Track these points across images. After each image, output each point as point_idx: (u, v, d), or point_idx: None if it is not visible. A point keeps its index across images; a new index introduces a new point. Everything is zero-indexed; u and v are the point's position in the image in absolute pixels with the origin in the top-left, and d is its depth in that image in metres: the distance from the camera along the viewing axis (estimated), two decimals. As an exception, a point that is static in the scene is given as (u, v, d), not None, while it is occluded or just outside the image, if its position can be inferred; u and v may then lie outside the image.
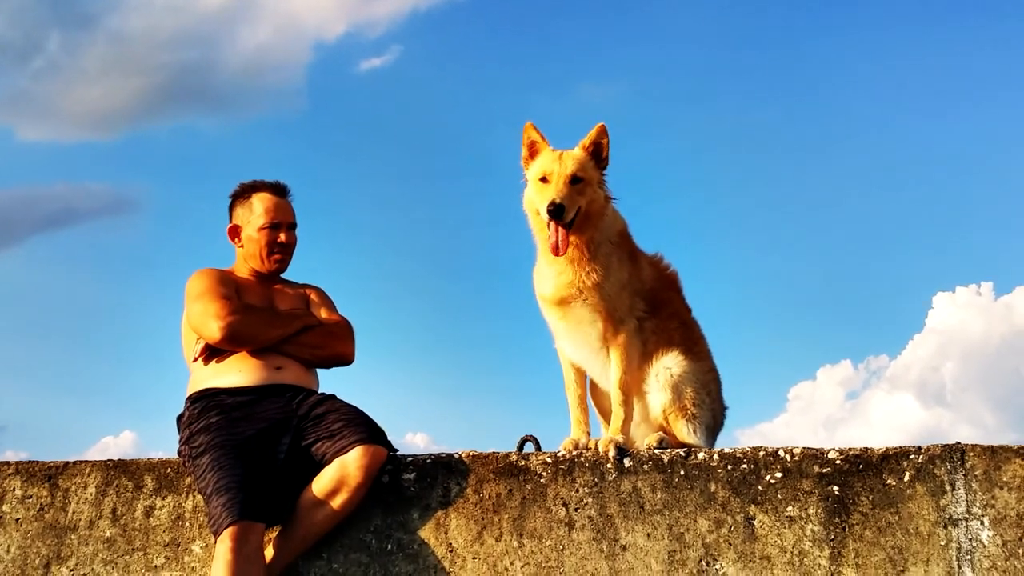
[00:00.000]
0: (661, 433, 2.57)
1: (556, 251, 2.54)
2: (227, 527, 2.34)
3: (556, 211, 2.50)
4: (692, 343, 2.69)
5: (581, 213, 2.57)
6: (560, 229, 2.53)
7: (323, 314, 2.85)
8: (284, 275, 2.93)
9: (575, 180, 2.57)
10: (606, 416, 2.71)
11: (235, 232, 2.88)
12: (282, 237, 2.85)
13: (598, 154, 2.62)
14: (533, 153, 2.68)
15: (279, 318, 2.75)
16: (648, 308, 2.66)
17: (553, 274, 2.64)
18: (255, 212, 2.85)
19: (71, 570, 2.59)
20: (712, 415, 2.66)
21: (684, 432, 2.59)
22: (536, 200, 2.60)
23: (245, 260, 2.88)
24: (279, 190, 2.89)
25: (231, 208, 2.92)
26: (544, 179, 2.59)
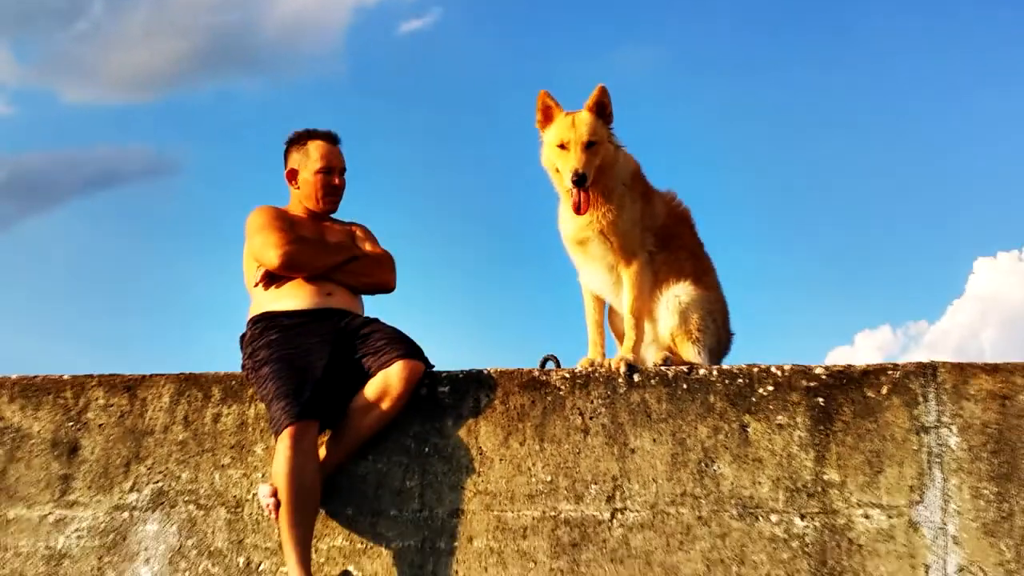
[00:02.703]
0: (667, 353, 2.89)
1: (579, 211, 2.86)
2: (286, 427, 2.69)
3: (579, 180, 2.81)
4: (701, 274, 3.00)
5: (596, 169, 2.88)
6: (582, 192, 2.83)
7: (367, 247, 3.18)
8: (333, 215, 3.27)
9: (589, 145, 2.87)
10: (620, 338, 3.03)
11: (292, 176, 3.21)
12: (336, 181, 3.18)
13: (603, 112, 2.91)
14: (547, 118, 2.96)
15: (330, 249, 3.09)
16: (659, 242, 2.97)
17: (572, 217, 2.96)
18: (311, 158, 3.17)
19: (148, 468, 2.96)
20: (716, 340, 2.97)
21: (689, 353, 2.91)
22: (558, 167, 2.90)
23: (300, 201, 3.21)
24: (332, 138, 3.21)
25: (287, 153, 3.24)
26: (562, 146, 2.87)
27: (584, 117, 2.89)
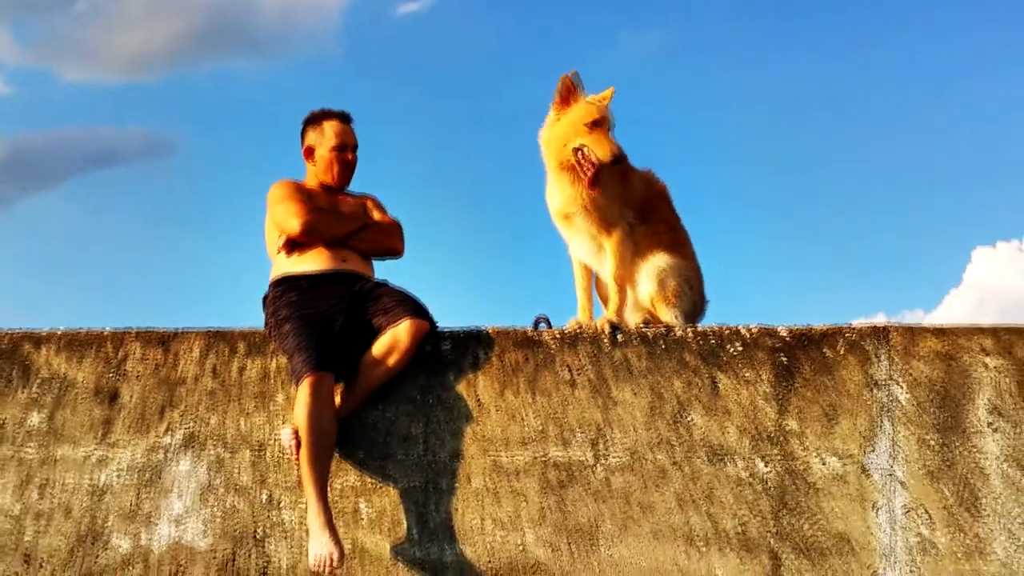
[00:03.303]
0: (647, 315, 3.20)
1: (594, 186, 3.13)
2: (306, 377, 3.01)
3: (617, 160, 3.08)
4: (678, 245, 3.29)
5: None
6: (597, 170, 3.10)
7: (377, 216, 3.49)
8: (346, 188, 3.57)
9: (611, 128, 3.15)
10: (606, 302, 3.33)
11: (309, 153, 3.51)
12: (349, 157, 3.48)
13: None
14: (567, 100, 3.19)
15: (344, 218, 3.40)
16: (639, 216, 3.26)
17: (558, 191, 3.25)
18: (326, 136, 3.47)
19: (181, 414, 3.29)
20: (692, 304, 3.27)
21: (667, 316, 3.21)
22: (583, 143, 3.10)
23: (316, 175, 3.51)
24: (345, 118, 3.51)
25: (303, 132, 3.54)
26: (596, 123, 3.09)
27: (608, 103, 3.16)
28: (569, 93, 3.17)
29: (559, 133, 3.17)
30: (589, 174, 3.10)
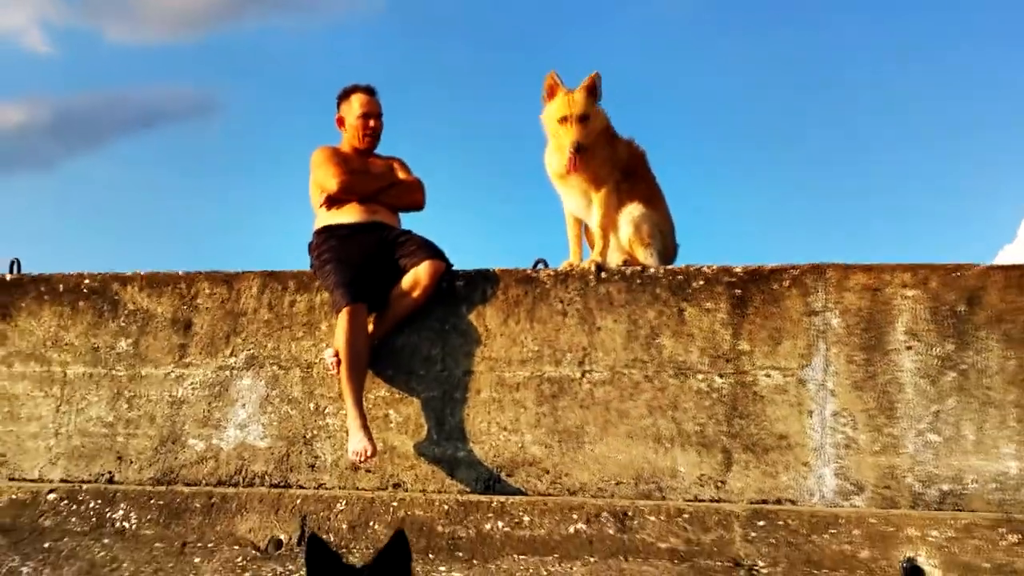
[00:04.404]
0: (626, 256, 3.82)
1: (571, 171, 3.72)
2: (344, 307, 3.68)
3: (579, 149, 3.68)
4: (652, 198, 3.91)
5: (589, 135, 3.73)
6: (575, 156, 3.70)
7: (402, 175, 4.14)
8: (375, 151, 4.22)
9: (583, 118, 3.73)
10: (593, 248, 3.96)
11: (341, 122, 4.16)
12: (371, 123, 4.12)
13: (593, 90, 3.76)
14: (552, 93, 3.78)
15: (374, 178, 4.05)
16: (622, 175, 3.87)
17: (556, 159, 3.85)
18: (354, 107, 4.12)
19: (243, 340, 3.99)
20: (663, 246, 3.90)
21: (642, 256, 3.84)
22: (558, 135, 3.70)
23: (348, 141, 4.16)
24: (370, 91, 4.15)
25: (337, 105, 4.18)
26: (564, 119, 3.69)
27: (578, 97, 3.72)
28: (552, 89, 3.77)
29: (545, 121, 3.83)
30: (567, 159, 3.69)
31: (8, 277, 4.30)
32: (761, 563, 3.13)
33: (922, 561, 3.05)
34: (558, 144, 3.75)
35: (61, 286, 4.22)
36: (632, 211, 3.83)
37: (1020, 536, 3.04)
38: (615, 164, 3.86)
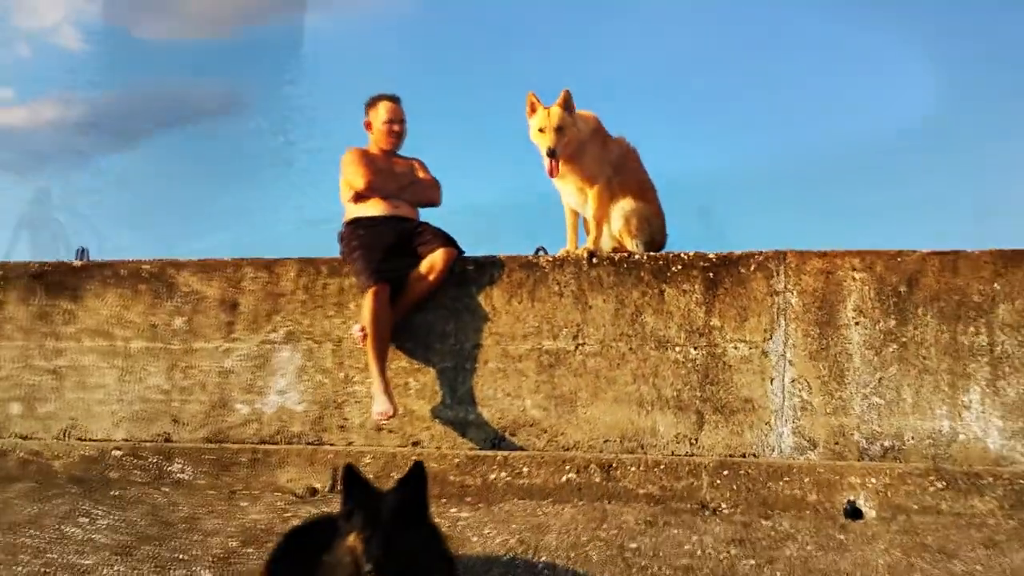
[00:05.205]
0: (616, 245, 4.38)
1: (552, 175, 4.27)
2: (370, 287, 4.26)
3: (551, 154, 4.23)
4: (643, 192, 4.46)
5: (565, 143, 4.27)
6: (552, 160, 4.26)
7: (422, 175, 4.71)
8: (398, 152, 4.80)
9: (559, 129, 4.28)
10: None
11: (369, 125, 4.74)
12: (395, 128, 4.69)
13: (568, 105, 4.29)
14: (532, 110, 4.32)
15: (397, 177, 4.63)
16: (614, 171, 4.42)
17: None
18: (380, 113, 4.69)
19: (282, 318, 4.58)
20: (651, 237, 4.44)
21: (630, 245, 4.39)
22: (539, 144, 4.26)
23: (375, 143, 4.74)
24: (394, 99, 4.72)
25: (366, 111, 4.76)
26: (541, 130, 4.26)
27: (555, 111, 4.25)
28: (532, 106, 4.31)
29: (529, 134, 4.37)
30: (549, 165, 4.24)
31: (77, 263, 4.92)
32: (724, 505, 3.67)
33: (861, 503, 3.58)
34: (541, 151, 4.32)
35: (123, 271, 4.83)
36: (624, 205, 4.38)
37: (946, 483, 3.57)
38: (608, 161, 4.41)
